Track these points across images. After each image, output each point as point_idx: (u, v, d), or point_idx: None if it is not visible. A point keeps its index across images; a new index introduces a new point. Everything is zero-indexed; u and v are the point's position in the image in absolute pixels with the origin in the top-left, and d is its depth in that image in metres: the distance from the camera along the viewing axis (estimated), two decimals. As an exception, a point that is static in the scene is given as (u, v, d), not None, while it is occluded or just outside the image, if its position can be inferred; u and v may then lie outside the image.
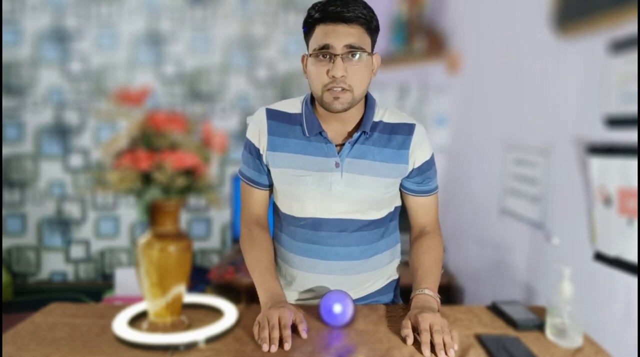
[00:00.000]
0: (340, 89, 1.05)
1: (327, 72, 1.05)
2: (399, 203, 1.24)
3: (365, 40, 1.08)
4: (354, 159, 1.13)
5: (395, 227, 1.26)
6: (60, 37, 3.69)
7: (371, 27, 1.09)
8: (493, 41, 2.35)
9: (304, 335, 0.98)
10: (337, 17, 1.04)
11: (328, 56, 1.05)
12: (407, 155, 1.16)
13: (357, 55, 1.06)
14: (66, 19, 3.69)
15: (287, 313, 0.99)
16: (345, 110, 1.09)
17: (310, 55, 1.09)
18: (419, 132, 1.17)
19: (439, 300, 1.09)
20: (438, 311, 1.05)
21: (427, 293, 1.08)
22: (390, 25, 3.26)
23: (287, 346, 0.94)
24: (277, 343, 0.94)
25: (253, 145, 1.18)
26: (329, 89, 1.06)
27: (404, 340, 0.98)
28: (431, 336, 0.94)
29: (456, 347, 0.94)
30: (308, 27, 1.10)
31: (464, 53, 2.67)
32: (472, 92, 2.62)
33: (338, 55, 1.04)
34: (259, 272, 1.14)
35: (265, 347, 0.93)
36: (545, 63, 1.85)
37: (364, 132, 1.13)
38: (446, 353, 0.92)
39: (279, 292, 1.09)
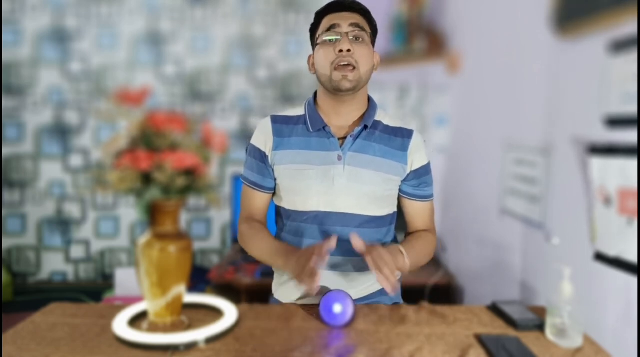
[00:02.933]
0: (347, 64, 1.12)
1: (334, 50, 1.12)
2: (396, 208, 1.28)
3: (367, 28, 1.17)
4: (356, 153, 1.17)
5: (393, 231, 1.30)
6: (60, 37, 3.69)
7: (371, 22, 1.19)
8: (493, 41, 2.35)
9: (333, 245, 1.04)
10: (340, 6, 1.17)
11: (335, 39, 1.14)
12: (406, 156, 1.21)
13: (361, 39, 1.15)
14: (66, 19, 3.69)
15: (308, 249, 1.05)
16: (353, 88, 1.14)
17: (317, 44, 1.18)
18: (417, 137, 1.24)
19: (407, 261, 1.10)
20: (403, 271, 1.10)
21: (400, 249, 1.11)
22: (390, 25, 3.26)
23: (317, 280, 1.00)
24: (316, 276, 1.00)
25: (258, 149, 1.22)
26: (336, 68, 1.13)
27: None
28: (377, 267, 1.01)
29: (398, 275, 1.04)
30: (314, 25, 1.20)
31: (464, 53, 2.67)
32: (472, 92, 2.61)
33: (344, 33, 1.13)
34: (267, 248, 1.19)
35: (313, 287, 0.99)
36: (545, 63, 1.85)
37: (366, 126, 1.18)
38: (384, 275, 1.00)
39: (292, 248, 1.15)
